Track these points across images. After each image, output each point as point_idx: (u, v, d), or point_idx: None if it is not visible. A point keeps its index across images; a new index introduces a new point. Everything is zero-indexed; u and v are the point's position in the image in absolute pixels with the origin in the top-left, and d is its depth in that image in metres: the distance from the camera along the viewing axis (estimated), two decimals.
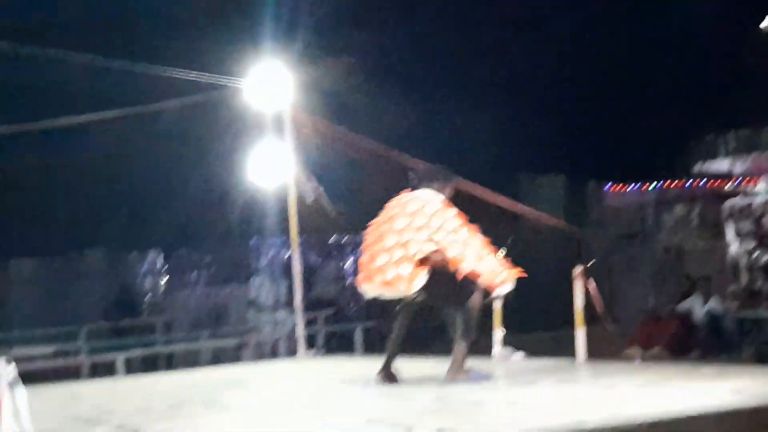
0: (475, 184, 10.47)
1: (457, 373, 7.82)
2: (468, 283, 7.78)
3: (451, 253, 7.66)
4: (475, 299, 7.81)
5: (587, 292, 8.84)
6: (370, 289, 7.96)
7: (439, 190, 8.01)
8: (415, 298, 7.80)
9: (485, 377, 7.83)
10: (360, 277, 8.06)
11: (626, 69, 23.90)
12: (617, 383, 6.86)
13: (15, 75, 20.70)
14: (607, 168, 22.69)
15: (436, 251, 7.65)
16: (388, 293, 7.88)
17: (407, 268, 7.64)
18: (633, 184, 22.41)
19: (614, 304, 19.78)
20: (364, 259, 8.08)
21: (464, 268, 7.66)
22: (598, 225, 21.68)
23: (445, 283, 7.72)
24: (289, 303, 14.77)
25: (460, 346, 7.87)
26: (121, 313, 20.27)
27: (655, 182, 22.27)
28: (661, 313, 15.98)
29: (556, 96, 24.33)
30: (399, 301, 8.01)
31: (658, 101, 23.10)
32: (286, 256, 19.89)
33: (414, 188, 8.07)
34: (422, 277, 7.65)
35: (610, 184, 22.51)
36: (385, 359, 8.15)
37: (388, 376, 8.08)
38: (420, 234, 7.69)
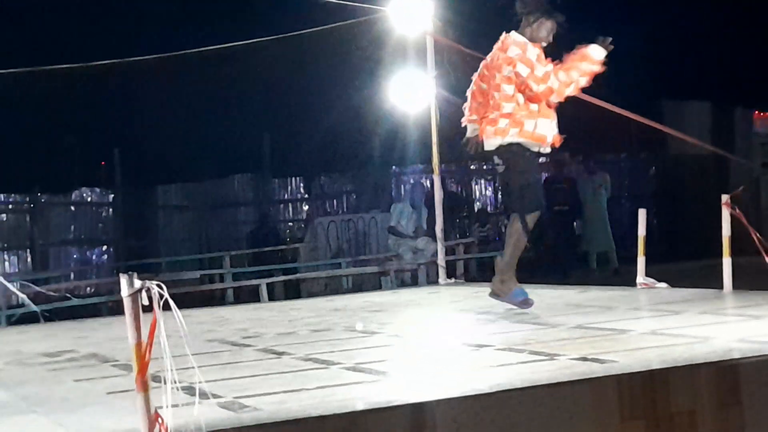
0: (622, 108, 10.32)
1: (502, 282, 7.97)
2: (533, 195, 8.00)
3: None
4: (528, 220, 7.92)
5: (737, 221, 8.65)
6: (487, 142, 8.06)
7: (536, 28, 7.94)
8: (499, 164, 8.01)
9: (526, 301, 7.91)
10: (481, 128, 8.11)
11: None
12: (764, 314, 6.73)
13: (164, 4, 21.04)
14: (754, 94, 22.13)
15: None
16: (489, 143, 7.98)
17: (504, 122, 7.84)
18: None
19: (761, 234, 19.38)
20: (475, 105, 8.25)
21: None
22: (746, 152, 21.20)
23: (517, 179, 7.95)
24: (431, 231, 14.79)
25: (503, 258, 8.02)
26: (264, 240, 20.59)
27: None
28: None
29: (703, 20, 23.74)
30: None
31: None
32: (428, 184, 19.95)
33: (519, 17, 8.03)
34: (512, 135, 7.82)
35: (758, 110, 21.94)
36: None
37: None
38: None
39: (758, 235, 8.43)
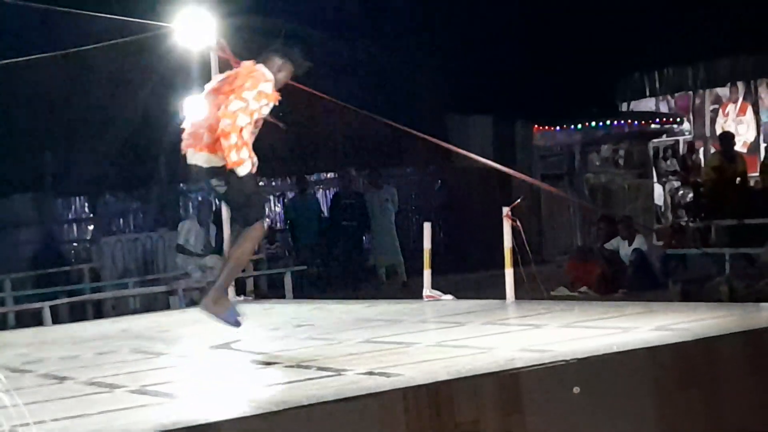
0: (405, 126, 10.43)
1: (215, 302, 6.97)
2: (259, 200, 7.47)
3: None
4: (258, 227, 7.16)
5: (515, 232, 8.87)
6: (192, 155, 7.49)
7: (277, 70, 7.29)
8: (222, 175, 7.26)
9: (237, 321, 7.05)
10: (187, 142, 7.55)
11: (552, 7, 23.91)
12: (545, 323, 6.91)
13: None
14: (534, 108, 22.77)
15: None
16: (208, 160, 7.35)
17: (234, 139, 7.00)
18: (560, 124, 22.52)
19: (542, 245, 19.96)
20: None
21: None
22: (526, 165, 21.80)
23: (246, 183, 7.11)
24: (219, 248, 14.66)
25: (227, 270, 7.19)
26: (47, 261, 20.03)
27: (581, 122, 22.40)
28: (588, 252, 16.11)
29: (482, 36, 24.30)
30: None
31: (584, 40, 23.17)
32: (216, 200, 19.76)
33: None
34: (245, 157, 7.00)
35: (537, 124, 22.60)
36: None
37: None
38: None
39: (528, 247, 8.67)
